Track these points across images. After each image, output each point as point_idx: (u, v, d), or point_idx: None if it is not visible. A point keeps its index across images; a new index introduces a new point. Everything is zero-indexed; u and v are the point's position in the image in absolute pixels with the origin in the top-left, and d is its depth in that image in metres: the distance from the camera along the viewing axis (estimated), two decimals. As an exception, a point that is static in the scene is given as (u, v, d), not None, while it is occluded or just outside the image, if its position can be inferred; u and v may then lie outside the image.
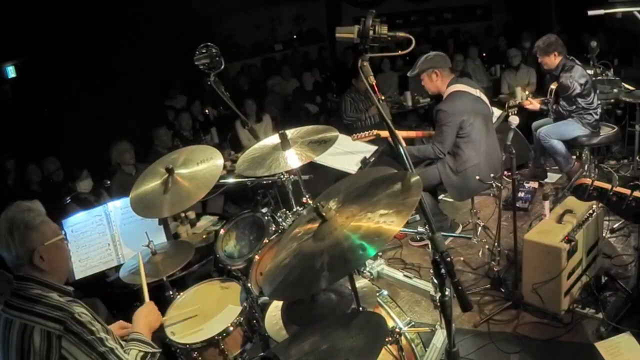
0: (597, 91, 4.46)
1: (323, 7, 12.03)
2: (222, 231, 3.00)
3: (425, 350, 2.66)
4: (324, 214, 1.60)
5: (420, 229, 3.13)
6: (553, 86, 4.63)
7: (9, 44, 6.97)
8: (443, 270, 1.49)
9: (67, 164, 5.18)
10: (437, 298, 1.57)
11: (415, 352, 2.61)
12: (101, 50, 7.26)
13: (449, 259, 1.47)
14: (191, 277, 3.42)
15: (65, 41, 7.00)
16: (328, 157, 3.13)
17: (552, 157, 4.70)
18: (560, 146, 4.48)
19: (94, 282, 3.22)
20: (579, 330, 2.90)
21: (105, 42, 7.25)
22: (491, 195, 4.35)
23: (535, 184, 4.64)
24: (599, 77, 4.80)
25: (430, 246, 1.62)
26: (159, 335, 2.24)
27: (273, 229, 2.81)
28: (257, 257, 2.69)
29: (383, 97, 1.59)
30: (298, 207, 2.91)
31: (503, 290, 3.34)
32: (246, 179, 3.03)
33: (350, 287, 1.96)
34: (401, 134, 3.94)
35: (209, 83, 2.76)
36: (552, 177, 4.96)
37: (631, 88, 4.76)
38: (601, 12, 3.45)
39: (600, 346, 2.66)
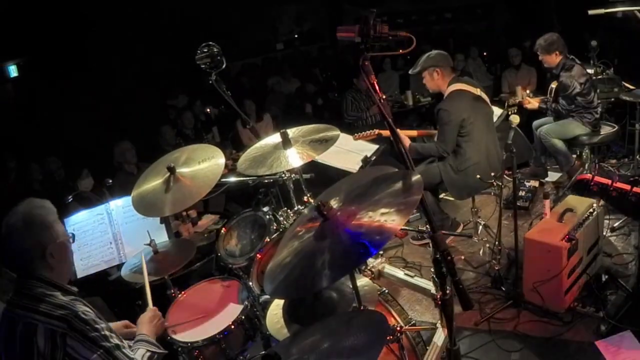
0: (597, 90, 4.46)
1: (324, 7, 12.03)
2: (223, 230, 3.01)
3: (426, 349, 2.67)
4: (325, 212, 1.61)
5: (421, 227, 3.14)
6: (553, 85, 4.63)
7: (11, 43, 6.98)
8: (444, 269, 1.50)
9: (68, 162, 5.19)
10: (438, 296, 1.57)
11: (416, 351, 2.63)
12: (101, 50, 7.28)
13: (449, 258, 1.47)
14: (193, 276, 3.42)
15: (66, 41, 7.02)
16: (329, 156, 3.14)
17: (553, 156, 4.69)
18: (560, 145, 4.48)
19: (95, 280, 3.23)
20: (579, 328, 2.90)
21: (106, 42, 7.27)
22: (492, 194, 4.36)
23: (535, 183, 4.63)
24: (599, 76, 4.81)
25: (431, 245, 1.62)
26: (160, 335, 2.25)
27: (274, 227, 2.82)
28: (258, 255, 2.70)
29: (384, 97, 1.59)
30: (299, 206, 2.92)
31: (504, 288, 3.34)
32: (248, 178, 3.03)
33: (351, 286, 1.97)
34: (402, 133, 3.94)
35: (210, 82, 2.76)
36: (553, 176, 4.94)
37: (631, 87, 4.76)
38: (601, 11, 3.45)
39: (601, 344, 2.67)
